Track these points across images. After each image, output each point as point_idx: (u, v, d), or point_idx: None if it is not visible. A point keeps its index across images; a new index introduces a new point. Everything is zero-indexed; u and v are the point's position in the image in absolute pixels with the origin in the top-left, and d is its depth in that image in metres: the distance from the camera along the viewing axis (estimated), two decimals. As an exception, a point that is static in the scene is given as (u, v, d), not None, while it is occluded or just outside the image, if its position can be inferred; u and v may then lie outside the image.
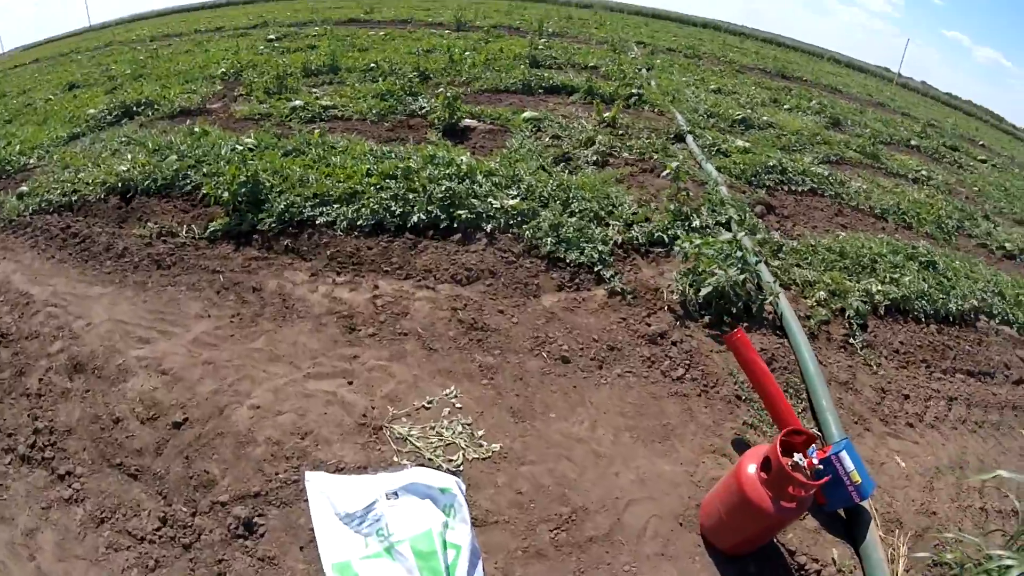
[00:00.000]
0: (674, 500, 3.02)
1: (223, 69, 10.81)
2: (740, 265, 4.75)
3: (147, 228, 5.31)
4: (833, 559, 2.88)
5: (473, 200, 5.07)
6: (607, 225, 5.36)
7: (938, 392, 4.62)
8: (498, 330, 4.10)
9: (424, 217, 4.94)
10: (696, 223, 5.71)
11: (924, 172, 10.92)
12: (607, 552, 2.74)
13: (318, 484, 2.79)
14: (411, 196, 5.08)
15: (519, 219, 5.08)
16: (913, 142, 13.09)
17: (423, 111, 7.92)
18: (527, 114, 7.81)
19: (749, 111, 10.67)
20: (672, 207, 5.74)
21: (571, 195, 5.48)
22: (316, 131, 6.84)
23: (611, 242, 5.11)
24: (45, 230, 5.68)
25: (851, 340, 4.84)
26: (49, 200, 5.99)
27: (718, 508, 2.72)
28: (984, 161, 15.01)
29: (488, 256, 4.77)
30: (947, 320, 5.52)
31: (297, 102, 8.04)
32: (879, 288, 5.41)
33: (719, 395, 3.88)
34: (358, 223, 4.96)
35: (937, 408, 4.45)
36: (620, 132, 8.04)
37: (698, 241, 4.90)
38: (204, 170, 5.84)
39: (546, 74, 10.41)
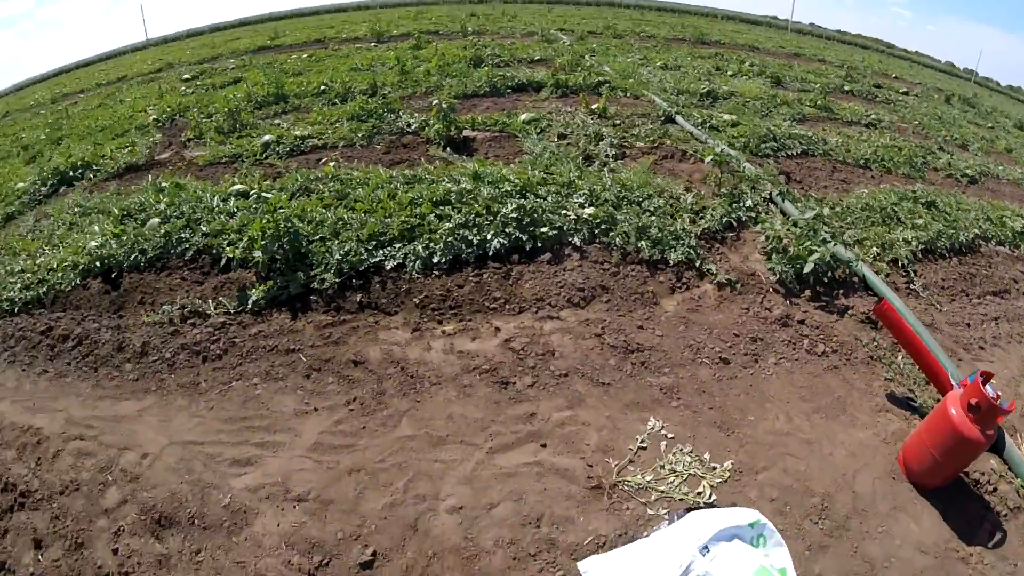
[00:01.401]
0: (880, 460, 3.37)
1: (154, 116, 9.80)
2: (829, 239, 5.06)
3: (162, 312, 4.39)
4: (992, 468, 3.41)
5: (550, 215, 4.74)
6: (674, 218, 5.20)
7: (985, 315, 5.36)
8: (652, 347, 3.93)
9: (505, 241, 4.59)
10: (748, 203, 5.75)
11: (873, 116, 11.64)
12: (861, 523, 3.00)
13: (602, 571, 2.42)
14: (478, 220, 4.65)
15: (602, 227, 4.85)
16: (846, 87, 13.92)
17: (412, 127, 7.46)
18: (524, 116, 7.55)
19: (707, 83, 10.88)
20: (724, 191, 5.87)
21: (633, 194, 5.28)
22: (328, 163, 6.20)
23: (693, 235, 4.97)
24: (20, 338, 4.61)
25: (912, 286, 5.34)
26: (10, 299, 4.96)
27: (930, 453, 3.11)
28: (906, 93, 16.15)
29: (590, 272, 4.53)
30: (960, 251, 6.24)
31: (267, 137, 7.30)
32: (912, 235, 5.93)
33: (858, 360, 4.20)
34: (434, 260, 4.47)
35: (991, 329, 5.20)
36: (617, 122, 7.98)
37: (780, 223, 5.19)
38: (204, 229, 5.06)
39: (507, 73, 10.21)
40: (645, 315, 4.24)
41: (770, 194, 6.14)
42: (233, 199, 5.57)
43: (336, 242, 4.58)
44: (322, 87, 9.77)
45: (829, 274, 4.96)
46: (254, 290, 4.37)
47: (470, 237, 4.56)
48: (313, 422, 3.36)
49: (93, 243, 5.17)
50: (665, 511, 2.81)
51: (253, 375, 3.76)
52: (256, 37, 18.99)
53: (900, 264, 5.58)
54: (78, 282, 4.96)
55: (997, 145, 13.44)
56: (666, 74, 11.68)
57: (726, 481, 3.05)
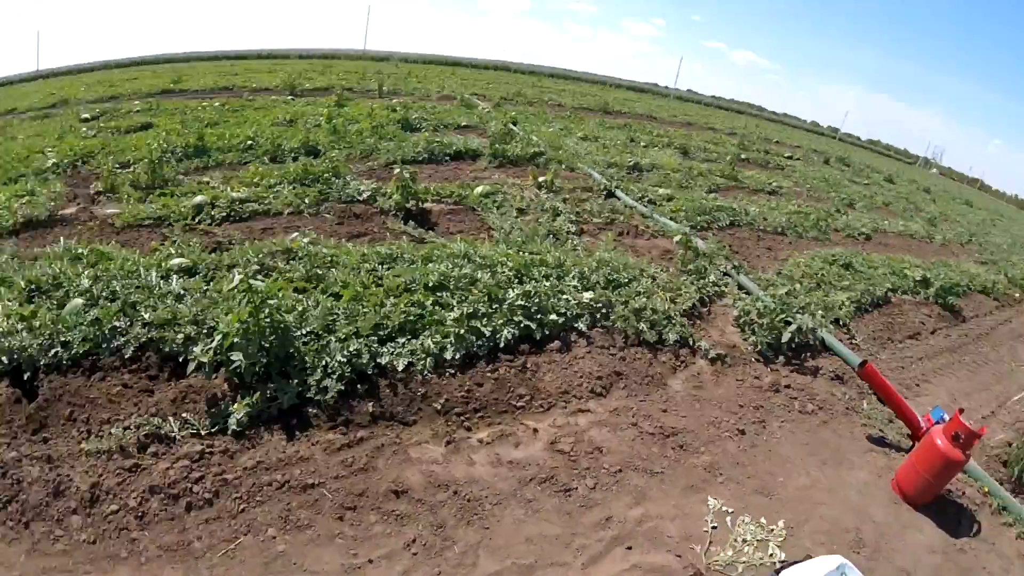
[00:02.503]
0: (880, 492, 4.14)
1: (53, 160, 8.66)
2: (799, 308, 5.86)
3: (108, 436, 3.49)
4: (958, 478, 4.32)
5: (554, 301, 4.99)
6: (649, 298, 5.61)
7: (910, 357, 6.55)
8: (683, 429, 4.27)
9: (515, 332, 4.66)
10: (711, 278, 6.44)
11: (775, 184, 13.09)
12: (887, 543, 3.69)
13: None
14: (484, 309, 4.73)
15: (602, 311, 5.15)
16: (742, 156, 15.54)
17: (363, 195, 7.34)
18: (480, 188, 7.79)
19: (630, 155, 11.89)
20: (690, 268, 6.54)
21: (620, 275, 5.75)
22: (296, 237, 5.89)
23: (678, 313, 5.45)
24: None
25: (854, 340, 6.37)
26: None
27: (923, 477, 4.00)
28: (790, 158, 18.19)
29: (600, 358, 4.76)
30: (879, 304, 7.48)
31: (199, 198, 6.66)
32: (844, 296, 7.00)
33: (838, 412, 5.01)
34: (446, 357, 4.32)
35: (918, 367, 6.42)
36: (566, 197, 8.47)
37: (752, 298, 6.01)
38: (145, 317, 4.24)
39: (443, 139, 10.51)
40: (662, 397, 4.57)
41: (726, 268, 6.78)
42: (176, 277, 4.87)
43: (333, 339, 4.23)
44: (248, 142, 9.38)
45: (796, 340, 5.62)
46: (235, 405, 3.68)
47: (481, 329, 4.55)
48: (378, 576, 2.96)
49: (-3, 331, 4.09)
50: (770, 576, 3.17)
51: (265, 524, 3.13)
52: (157, 79, 17.90)
53: (841, 323, 6.52)
54: (-27, 387, 3.87)
55: (876, 200, 15.56)
56: (591, 146, 12.60)
57: (785, 539, 3.47)
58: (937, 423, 4.35)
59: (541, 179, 8.70)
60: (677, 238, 6.73)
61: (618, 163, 11.14)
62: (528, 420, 4.09)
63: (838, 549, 3.44)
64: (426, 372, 4.20)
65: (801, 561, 3.10)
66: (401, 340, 4.39)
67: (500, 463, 3.68)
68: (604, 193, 9.08)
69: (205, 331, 4.08)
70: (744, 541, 3.38)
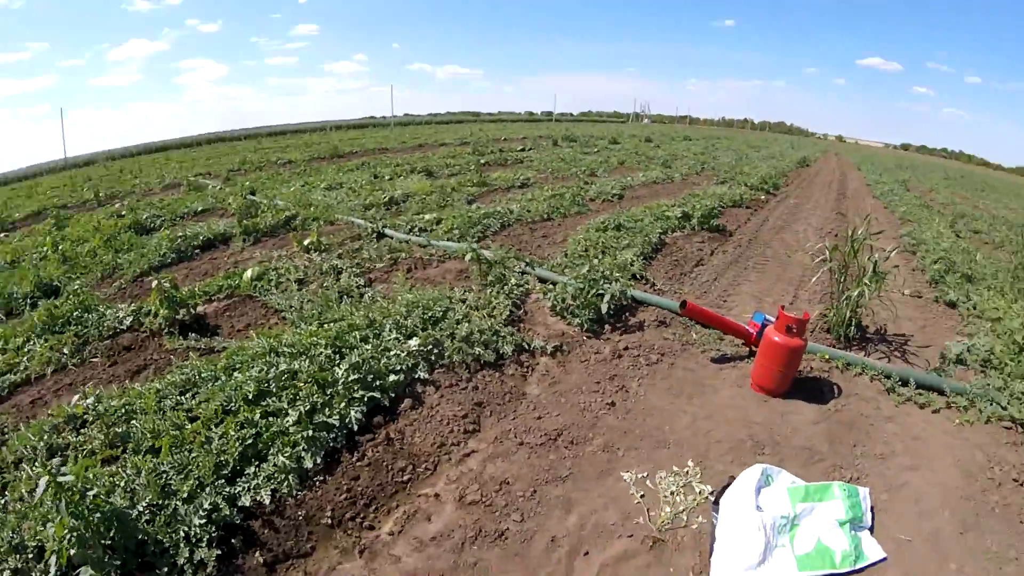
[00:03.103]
0: (747, 399, 4.88)
1: None
2: (603, 279, 6.48)
3: None
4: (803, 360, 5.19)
5: (385, 361, 4.85)
6: (470, 320, 5.76)
7: (706, 281, 7.78)
8: (564, 426, 4.48)
9: (363, 408, 4.44)
10: (513, 281, 6.84)
11: (522, 177, 14.22)
12: (780, 435, 4.37)
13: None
14: (320, 400, 4.41)
15: (434, 352, 5.17)
16: (482, 161, 16.49)
17: (126, 323, 6.36)
18: (249, 273, 7.13)
19: (381, 192, 12.06)
20: (491, 279, 6.91)
21: (432, 312, 5.79)
22: (77, 400, 4.91)
23: (502, 324, 5.80)
24: None
25: (656, 286, 7.35)
26: None
27: (774, 370, 4.79)
28: (523, 150, 19.66)
29: (456, 396, 4.76)
30: (659, 248, 8.85)
31: None
32: (629, 254, 8.04)
33: (678, 350, 5.79)
34: (307, 467, 3.97)
35: (716, 287, 7.56)
36: (340, 253, 8.32)
37: (560, 285, 6.56)
38: None
39: (186, 232, 9.54)
40: (529, 407, 4.74)
41: (522, 268, 7.19)
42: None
43: (177, 502, 3.62)
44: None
45: (612, 307, 6.21)
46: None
47: (328, 421, 4.25)
48: None
49: None
50: (700, 518, 3.51)
51: None
52: None
53: (638, 276, 7.44)
54: None
55: (611, 163, 17.56)
56: (338, 193, 12.50)
57: (701, 474, 3.90)
58: (763, 325, 5.16)
59: (307, 242, 8.37)
60: (468, 256, 6.99)
61: (373, 202, 11.25)
62: (424, 489, 3.93)
63: (747, 458, 4.02)
64: (295, 492, 3.82)
65: (729, 485, 3.58)
66: (250, 470, 3.90)
67: (424, 544, 3.49)
68: (374, 236, 9.11)
69: (32, 555, 3.31)
70: (672, 493, 3.74)
